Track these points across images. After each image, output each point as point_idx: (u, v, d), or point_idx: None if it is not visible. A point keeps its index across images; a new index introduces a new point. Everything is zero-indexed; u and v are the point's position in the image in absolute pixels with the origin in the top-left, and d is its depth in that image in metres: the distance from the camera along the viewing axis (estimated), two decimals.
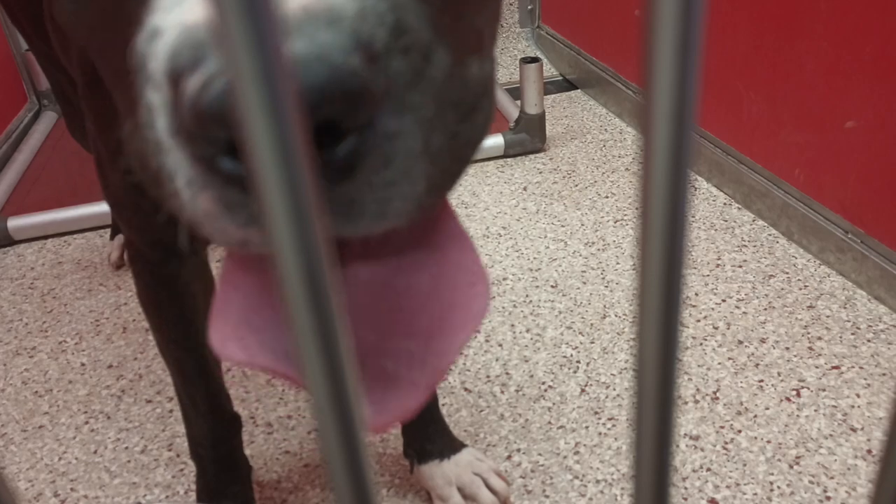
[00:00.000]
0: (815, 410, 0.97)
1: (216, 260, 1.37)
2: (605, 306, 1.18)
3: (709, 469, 0.91)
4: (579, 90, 1.96)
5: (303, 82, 0.23)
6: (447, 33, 0.29)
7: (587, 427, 0.98)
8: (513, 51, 2.22)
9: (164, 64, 0.25)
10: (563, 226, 1.39)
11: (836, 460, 0.90)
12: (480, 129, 0.31)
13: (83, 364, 1.17)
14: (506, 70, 2.11)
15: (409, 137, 0.27)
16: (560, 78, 2.05)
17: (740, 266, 1.25)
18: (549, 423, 0.99)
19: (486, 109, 0.31)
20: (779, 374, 1.03)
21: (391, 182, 0.27)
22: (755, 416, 0.97)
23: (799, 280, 1.21)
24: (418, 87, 0.27)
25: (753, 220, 1.37)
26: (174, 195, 0.28)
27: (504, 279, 1.26)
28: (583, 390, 1.03)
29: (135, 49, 0.27)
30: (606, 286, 1.22)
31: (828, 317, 1.13)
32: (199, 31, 0.24)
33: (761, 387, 1.01)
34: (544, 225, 1.40)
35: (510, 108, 1.71)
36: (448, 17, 0.30)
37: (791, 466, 0.90)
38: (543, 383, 1.05)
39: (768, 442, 0.93)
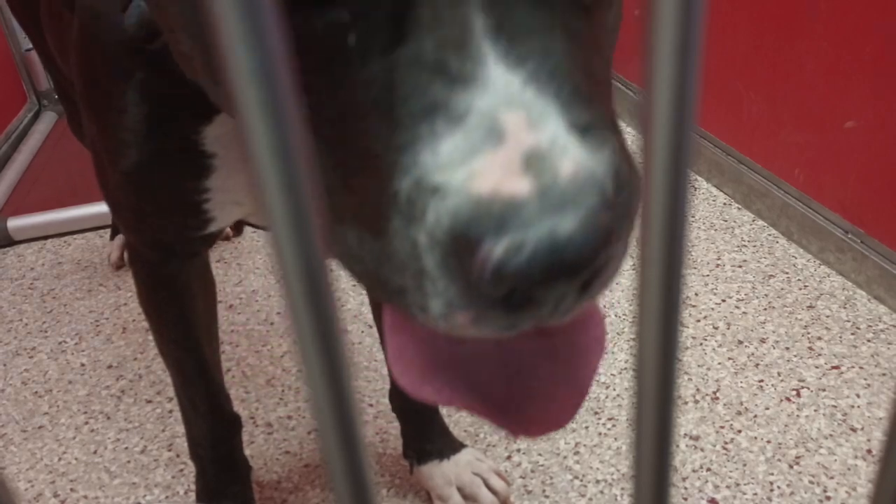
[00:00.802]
0: (815, 410, 0.97)
1: (216, 260, 1.37)
2: (604, 306, 1.18)
3: (709, 469, 0.91)
4: None
5: (568, 254, 0.26)
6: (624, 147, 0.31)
7: (587, 427, 0.98)
8: None
9: (451, 228, 0.27)
10: None
11: (835, 460, 0.90)
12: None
13: (83, 364, 1.17)
14: None
15: (621, 253, 0.30)
16: None
17: (740, 266, 1.25)
18: None
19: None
20: (779, 374, 1.03)
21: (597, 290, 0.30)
22: (755, 416, 0.97)
23: (799, 280, 1.21)
24: (630, 213, 0.30)
25: (753, 220, 1.37)
26: (416, 297, 0.30)
27: None
28: None
29: (394, 187, 0.28)
30: None
31: (828, 317, 1.13)
32: (495, 203, 0.26)
33: (761, 387, 1.01)
34: None
35: None
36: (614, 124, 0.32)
37: (791, 466, 0.90)
38: None
39: (768, 442, 0.93)
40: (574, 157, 0.26)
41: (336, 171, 0.31)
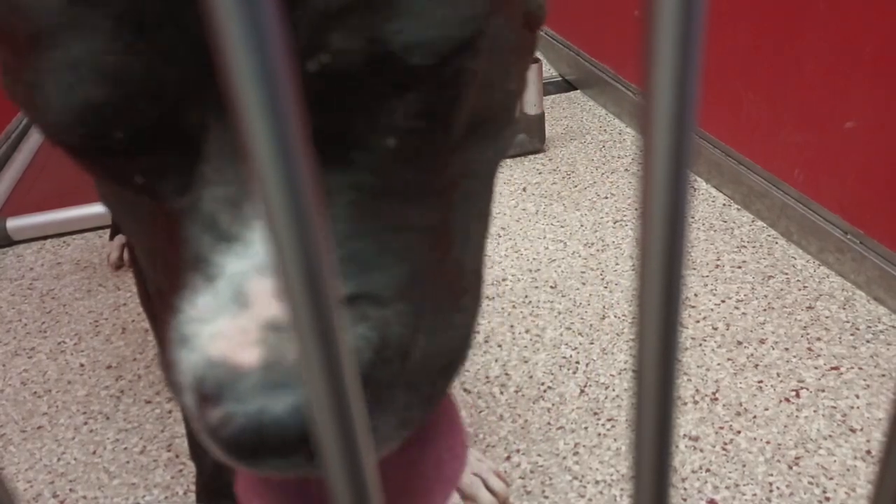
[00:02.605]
0: (815, 411, 0.97)
1: None
2: (604, 307, 1.18)
3: (708, 470, 0.91)
4: (579, 91, 1.96)
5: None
6: (430, 311, 0.32)
7: (586, 428, 0.98)
8: None
9: (191, 380, 0.28)
10: (562, 226, 1.39)
11: (835, 461, 0.90)
12: (466, 341, 0.34)
13: (82, 365, 1.17)
14: None
15: (396, 408, 0.30)
16: (559, 78, 2.05)
17: (739, 267, 1.25)
18: (549, 423, 0.99)
19: (471, 323, 0.35)
20: (778, 374, 1.03)
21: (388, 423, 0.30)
22: (754, 417, 0.97)
23: (798, 281, 1.21)
24: (401, 376, 0.30)
25: (753, 221, 1.37)
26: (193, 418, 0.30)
27: (503, 280, 1.26)
28: (582, 391, 1.03)
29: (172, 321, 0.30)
30: (606, 287, 1.22)
31: (827, 317, 1.13)
32: (221, 368, 0.27)
33: (760, 387, 1.01)
34: (543, 226, 1.40)
35: None
36: (431, 285, 0.32)
37: (790, 467, 0.90)
38: (542, 384, 1.05)
39: (767, 443, 0.93)
40: None
41: (158, 287, 0.32)
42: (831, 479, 0.88)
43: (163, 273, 0.31)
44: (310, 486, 0.36)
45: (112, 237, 1.43)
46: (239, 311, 0.27)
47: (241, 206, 0.28)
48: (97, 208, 1.50)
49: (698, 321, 1.14)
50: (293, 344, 0.26)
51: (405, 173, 0.31)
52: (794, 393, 1.00)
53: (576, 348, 1.10)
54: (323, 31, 0.27)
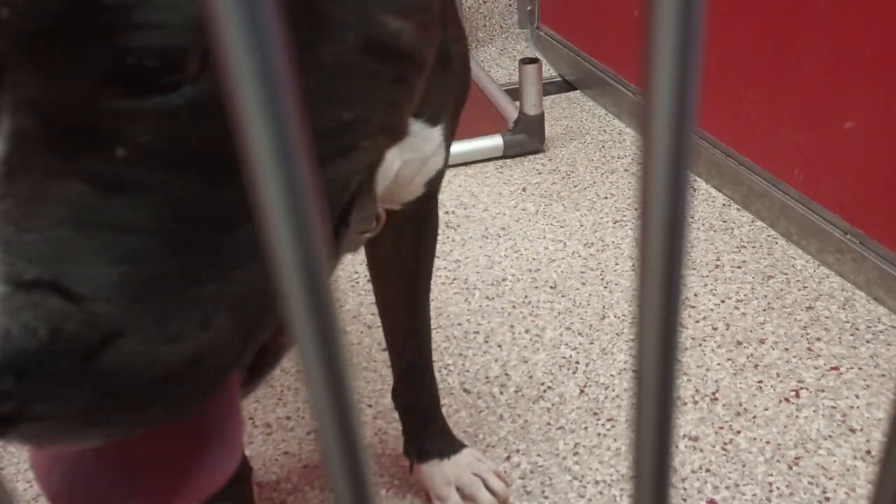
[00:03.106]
0: (815, 411, 0.97)
1: None
2: (604, 307, 1.18)
3: (708, 470, 0.91)
4: (578, 91, 1.96)
5: None
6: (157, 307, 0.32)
7: (586, 428, 0.98)
8: (512, 52, 2.23)
9: None
10: (562, 227, 1.39)
11: (835, 461, 0.90)
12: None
13: None
14: (505, 71, 2.11)
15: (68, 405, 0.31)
16: (559, 79, 2.05)
17: (739, 267, 1.25)
18: (549, 423, 0.99)
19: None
20: (778, 374, 1.03)
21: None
22: (754, 417, 0.97)
23: (798, 281, 1.21)
24: (80, 375, 0.30)
25: (752, 221, 1.37)
26: None
27: (503, 280, 1.26)
28: (582, 391, 1.03)
29: None
30: (606, 287, 1.22)
31: (827, 318, 1.13)
32: None
33: (760, 387, 1.01)
34: (543, 226, 1.40)
35: (509, 110, 1.71)
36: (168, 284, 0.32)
37: (790, 467, 0.90)
38: (542, 384, 1.05)
39: (767, 443, 0.93)
40: None
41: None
42: (831, 479, 0.88)
43: None
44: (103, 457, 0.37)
45: None
46: None
47: None
48: None
49: (698, 321, 1.14)
50: None
51: (141, 176, 0.31)
52: (793, 393, 1.00)
53: (576, 348, 1.10)
54: None
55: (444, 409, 0.91)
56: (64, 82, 0.29)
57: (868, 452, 0.91)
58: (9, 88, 0.28)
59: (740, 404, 0.99)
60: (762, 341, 1.09)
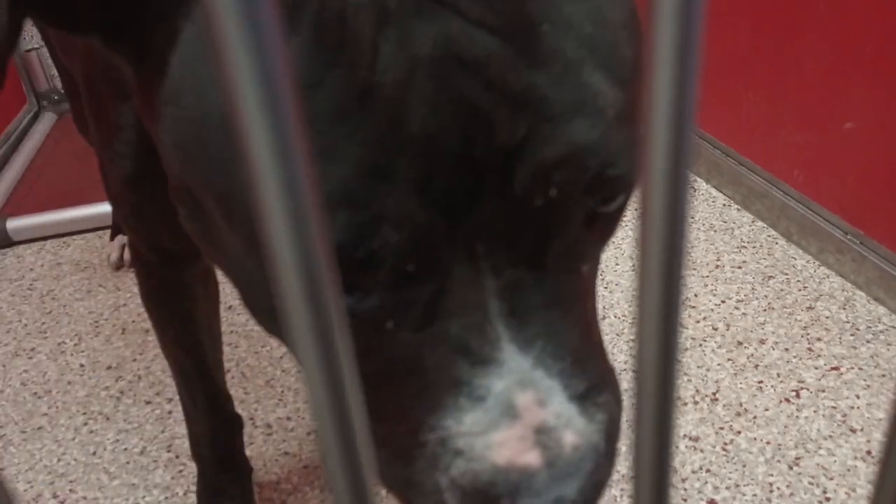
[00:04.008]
0: (815, 411, 0.97)
1: None
2: (604, 307, 1.18)
3: (708, 470, 0.90)
4: None
5: None
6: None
7: None
8: None
9: (472, 485, 0.32)
10: None
11: (835, 461, 0.90)
12: None
13: (82, 365, 1.17)
14: None
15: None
16: None
17: (739, 267, 1.25)
18: None
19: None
20: (778, 374, 1.03)
21: None
22: (755, 417, 0.97)
23: (798, 281, 1.21)
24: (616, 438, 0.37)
25: (753, 222, 1.37)
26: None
27: None
28: None
29: (421, 438, 0.33)
30: (605, 287, 1.22)
31: (827, 318, 1.13)
32: (511, 472, 0.31)
33: (761, 388, 1.01)
34: None
35: None
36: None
37: (790, 467, 0.90)
38: None
39: (768, 443, 0.93)
40: (575, 429, 0.32)
41: (372, 404, 0.34)
42: (831, 479, 0.88)
43: (396, 394, 0.34)
44: None
45: (112, 237, 1.43)
46: (512, 423, 0.31)
47: (485, 330, 0.32)
48: (97, 209, 1.50)
49: (698, 321, 1.14)
50: (567, 437, 0.32)
51: (582, 272, 0.36)
52: (794, 393, 1.00)
53: None
54: (548, 173, 0.30)
55: None
56: (552, 242, 0.33)
57: (868, 453, 0.91)
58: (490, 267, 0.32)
59: (741, 404, 0.99)
60: (762, 341, 1.09)
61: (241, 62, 0.13)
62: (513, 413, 0.31)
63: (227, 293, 1.30)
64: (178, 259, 0.67)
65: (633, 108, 0.33)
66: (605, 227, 0.36)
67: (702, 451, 0.93)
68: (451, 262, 0.32)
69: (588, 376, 0.34)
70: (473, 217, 0.31)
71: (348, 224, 0.29)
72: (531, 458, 0.31)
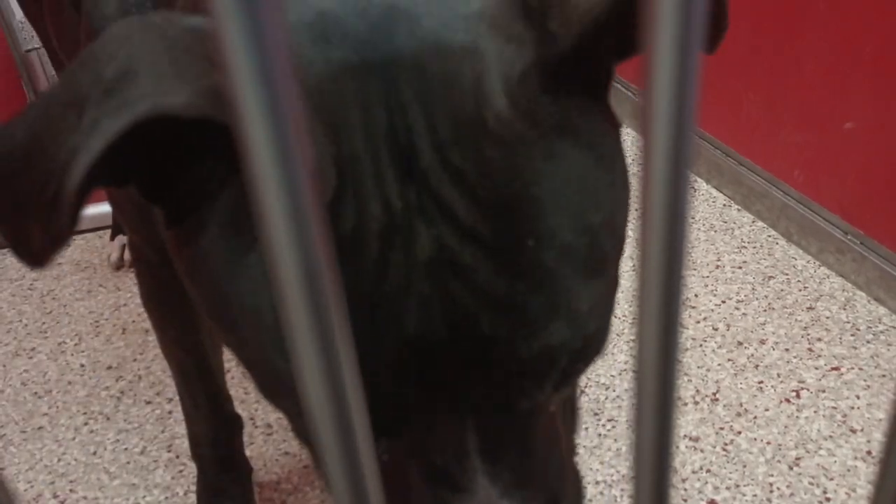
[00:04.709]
0: (815, 412, 0.97)
1: None
2: None
3: (708, 470, 0.90)
4: None
5: None
6: None
7: (587, 428, 0.98)
8: None
9: None
10: None
11: (835, 461, 0.90)
12: None
13: (82, 365, 1.17)
14: None
15: None
16: None
17: (740, 267, 1.25)
18: None
19: None
20: (778, 375, 1.03)
21: None
22: (755, 418, 0.97)
23: (798, 281, 1.21)
24: None
25: (753, 222, 1.37)
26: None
27: None
28: (582, 391, 1.03)
29: None
30: None
31: (827, 318, 1.13)
32: None
33: (761, 388, 1.01)
34: None
35: None
36: None
37: (791, 468, 0.90)
38: None
39: (768, 443, 0.93)
40: None
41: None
42: (832, 479, 0.88)
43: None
44: None
45: (112, 237, 1.43)
46: None
47: (464, 462, 0.37)
48: (97, 209, 1.50)
49: (698, 322, 1.14)
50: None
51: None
52: (794, 393, 1.00)
53: None
54: (523, 369, 0.36)
55: None
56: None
57: (869, 453, 0.91)
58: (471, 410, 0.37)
59: (741, 405, 0.99)
60: (763, 342, 1.09)
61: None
62: None
63: None
64: None
65: (610, 262, 0.39)
66: (573, 380, 0.40)
67: (702, 451, 0.93)
68: (440, 411, 0.37)
69: (546, 496, 0.40)
70: (459, 385, 0.35)
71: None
72: None
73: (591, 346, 0.37)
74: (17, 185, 0.32)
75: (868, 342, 1.08)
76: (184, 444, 0.97)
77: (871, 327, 1.10)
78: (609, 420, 0.98)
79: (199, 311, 0.40)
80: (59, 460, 1.00)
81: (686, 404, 1.00)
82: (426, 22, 0.33)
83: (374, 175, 0.32)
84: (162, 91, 0.29)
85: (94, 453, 1.01)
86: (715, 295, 1.19)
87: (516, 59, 0.34)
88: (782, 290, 1.19)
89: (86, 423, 1.06)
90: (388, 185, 0.32)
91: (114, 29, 0.32)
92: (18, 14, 2.05)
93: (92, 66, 0.31)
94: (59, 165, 0.29)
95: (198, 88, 0.29)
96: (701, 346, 1.09)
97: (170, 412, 1.06)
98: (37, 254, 0.31)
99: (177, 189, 0.36)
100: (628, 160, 0.40)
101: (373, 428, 0.34)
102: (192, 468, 0.93)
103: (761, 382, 1.02)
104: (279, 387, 0.37)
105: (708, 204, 1.44)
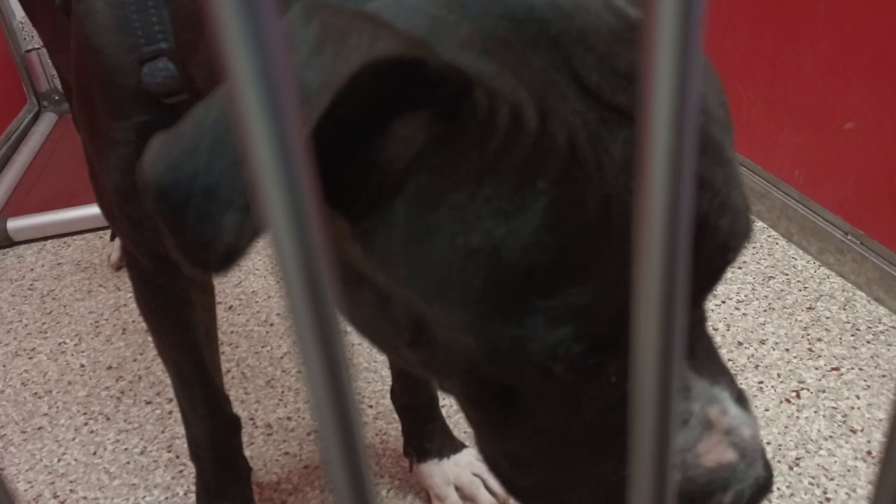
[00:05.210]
0: (815, 412, 0.97)
1: None
2: None
3: None
4: None
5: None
6: None
7: None
8: None
9: (688, 488, 0.40)
10: None
11: (835, 462, 0.90)
12: None
13: (83, 365, 1.17)
14: None
15: None
16: None
17: (740, 267, 1.25)
18: None
19: None
20: (778, 375, 1.03)
21: None
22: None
23: (798, 281, 1.21)
24: None
25: (753, 222, 1.37)
26: None
27: None
28: None
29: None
30: None
31: (827, 318, 1.13)
32: (722, 470, 0.40)
33: (761, 388, 1.01)
34: None
35: None
36: None
37: (791, 468, 0.90)
38: None
39: (768, 443, 0.93)
40: (747, 423, 0.41)
41: (577, 453, 0.42)
42: (832, 479, 0.88)
43: (605, 436, 0.41)
44: None
45: (113, 238, 1.44)
46: (710, 433, 0.40)
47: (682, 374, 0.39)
48: (97, 209, 1.50)
49: None
50: (745, 431, 0.41)
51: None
52: (794, 393, 1.00)
53: None
54: (725, 241, 0.40)
55: (444, 410, 0.91)
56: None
57: (869, 453, 0.91)
58: None
59: None
60: (763, 342, 1.09)
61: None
62: (708, 425, 0.40)
63: (227, 293, 1.30)
64: (175, 265, 0.67)
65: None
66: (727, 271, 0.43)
67: None
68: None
69: (734, 382, 0.42)
70: None
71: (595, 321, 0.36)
72: (730, 455, 0.40)
73: (749, 225, 0.41)
74: (206, 178, 0.31)
75: (868, 342, 1.08)
76: (184, 445, 0.97)
77: (871, 327, 1.10)
78: None
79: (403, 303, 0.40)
80: (59, 460, 1.00)
81: None
82: None
83: (560, 97, 0.35)
84: (373, 48, 0.31)
85: (94, 453, 1.01)
86: (715, 295, 1.19)
87: None
88: (782, 291, 1.19)
89: (86, 424, 1.06)
90: (575, 104, 0.35)
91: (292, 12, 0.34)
92: (18, 14, 2.05)
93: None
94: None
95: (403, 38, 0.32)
96: None
97: (170, 412, 1.06)
98: (228, 252, 0.31)
99: (356, 189, 0.37)
100: None
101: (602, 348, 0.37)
102: (192, 468, 0.93)
103: (761, 382, 1.02)
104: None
105: None
